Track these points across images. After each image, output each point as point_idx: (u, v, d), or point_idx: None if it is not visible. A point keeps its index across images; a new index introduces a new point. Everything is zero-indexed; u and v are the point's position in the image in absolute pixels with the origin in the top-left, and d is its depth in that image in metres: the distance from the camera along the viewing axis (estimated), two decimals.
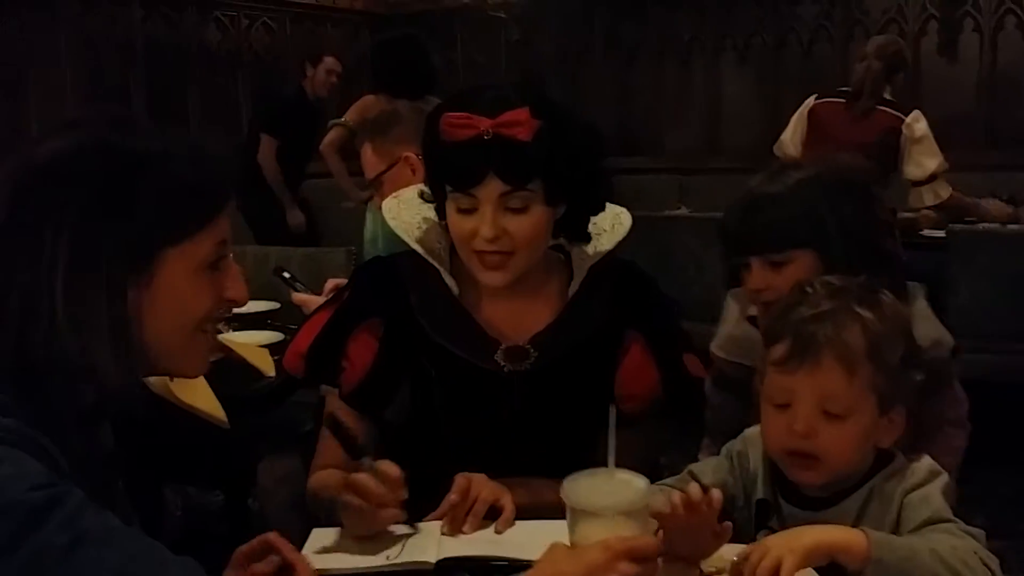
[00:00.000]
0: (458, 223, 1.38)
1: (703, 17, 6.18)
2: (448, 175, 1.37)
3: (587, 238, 1.47)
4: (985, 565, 1.11)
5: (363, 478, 1.25)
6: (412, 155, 2.22)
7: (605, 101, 6.47)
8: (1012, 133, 5.30)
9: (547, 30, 6.70)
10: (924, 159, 3.75)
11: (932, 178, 3.76)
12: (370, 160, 2.31)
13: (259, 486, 2.59)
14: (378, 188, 2.29)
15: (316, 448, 1.53)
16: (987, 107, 5.37)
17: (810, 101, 3.99)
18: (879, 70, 3.80)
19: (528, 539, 1.24)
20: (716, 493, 1.13)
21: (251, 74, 6.44)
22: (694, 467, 1.36)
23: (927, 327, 1.53)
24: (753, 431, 1.34)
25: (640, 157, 6.17)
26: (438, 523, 1.31)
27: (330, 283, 2.34)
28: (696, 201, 5.48)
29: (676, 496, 1.14)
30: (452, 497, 1.30)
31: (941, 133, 5.37)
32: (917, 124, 3.75)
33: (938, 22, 5.49)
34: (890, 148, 3.72)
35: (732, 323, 1.60)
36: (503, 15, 6.60)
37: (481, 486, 1.32)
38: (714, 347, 1.65)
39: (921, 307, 1.58)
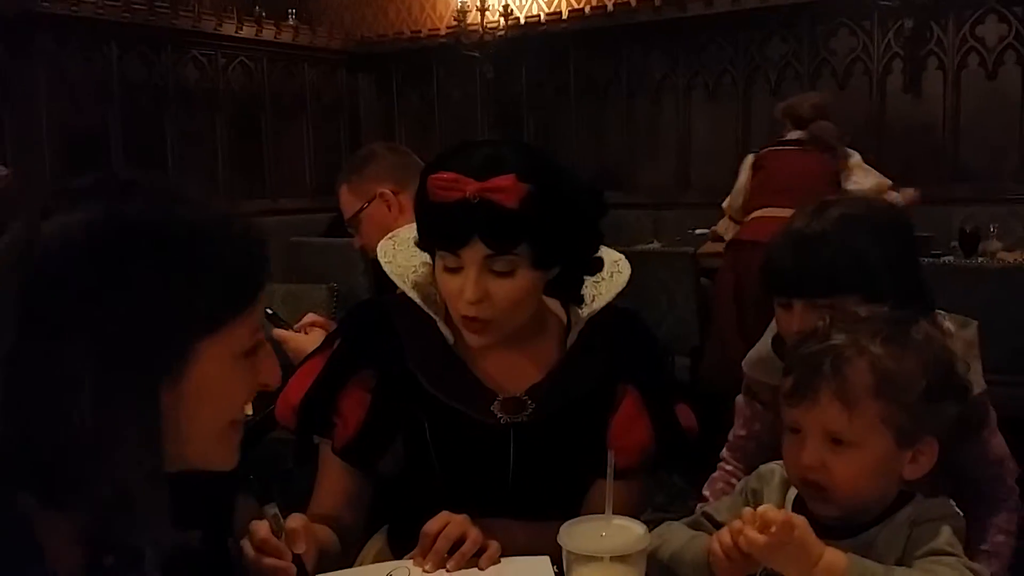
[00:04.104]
0: (445, 281, 1.36)
1: (674, 56, 6.28)
2: (433, 235, 1.36)
3: (580, 300, 1.44)
4: None
5: (258, 526, 1.21)
6: (388, 191, 2.24)
7: (579, 138, 6.57)
8: (975, 168, 5.39)
9: (522, 68, 6.80)
10: (861, 179, 4.15)
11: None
12: (347, 199, 2.32)
13: (237, 524, 2.56)
14: (356, 227, 2.30)
15: (315, 490, 1.49)
16: (951, 143, 5.46)
17: (750, 157, 4.33)
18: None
19: (512, 574, 1.24)
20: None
21: (228, 113, 6.49)
22: (710, 508, 1.35)
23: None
24: (767, 467, 1.33)
25: (613, 192, 6.25)
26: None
27: (308, 317, 2.30)
28: (668, 235, 5.56)
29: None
30: (428, 527, 1.29)
31: (907, 169, 5.48)
32: (851, 158, 4.18)
33: (903, 60, 5.57)
34: (833, 180, 4.10)
35: (764, 344, 1.61)
36: (478, 54, 6.68)
37: (464, 524, 1.30)
38: (745, 364, 1.69)
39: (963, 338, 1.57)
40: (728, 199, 4.40)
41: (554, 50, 6.64)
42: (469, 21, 6.59)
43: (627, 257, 1.54)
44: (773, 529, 1.07)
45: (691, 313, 4.15)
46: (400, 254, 1.48)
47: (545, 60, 6.71)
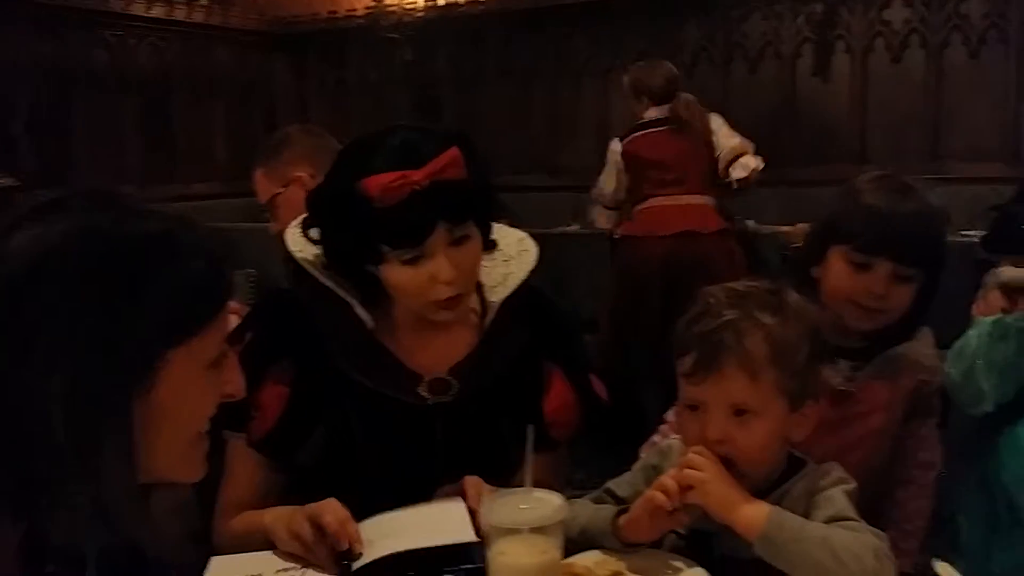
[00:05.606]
0: (409, 276, 1.34)
1: (594, 40, 6.33)
2: (392, 237, 1.32)
3: (494, 245, 1.46)
4: (882, 562, 1.13)
5: (307, 535, 1.25)
6: (305, 175, 2.22)
7: (500, 120, 6.57)
8: (882, 149, 5.55)
9: (441, 50, 6.77)
10: (726, 140, 4.16)
11: (737, 157, 4.17)
12: (262, 184, 2.30)
13: (151, 519, 2.52)
14: (272, 212, 2.29)
15: (224, 483, 1.48)
16: (858, 125, 5.62)
17: (617, 146, 4.21)
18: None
19: (432, 523, 1.28)
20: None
21: (138, 96, 6.32)
22: (611, 483, 1.40)
23: (932, 354, 1.66)
24: (666, 443, 1.39)
25: (535, 175, 6.28)
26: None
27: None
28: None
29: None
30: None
31: (816, 149, 5.64)
32: (715, 119, 4.19)
33: (812, 44, 5.71)
34: (710, 153, 4.13)
35: None
36: (397, 35, 6.63)
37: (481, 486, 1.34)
38: None
39: (928, 335, 1.68)
40: (597, 189, 4.28)
41: (474, 32, 6.62)
42: (387, 2, 6.53)
43: (547, 239, 1.56)
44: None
45: (608, 295, 4.20)
46: (311, 242, 1.45)
47: (465, 42, 6.69)
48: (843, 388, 1.56)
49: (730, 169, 4.16)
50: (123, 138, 6.24)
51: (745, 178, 4.15)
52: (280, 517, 1.33)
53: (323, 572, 1.25)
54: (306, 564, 1.27)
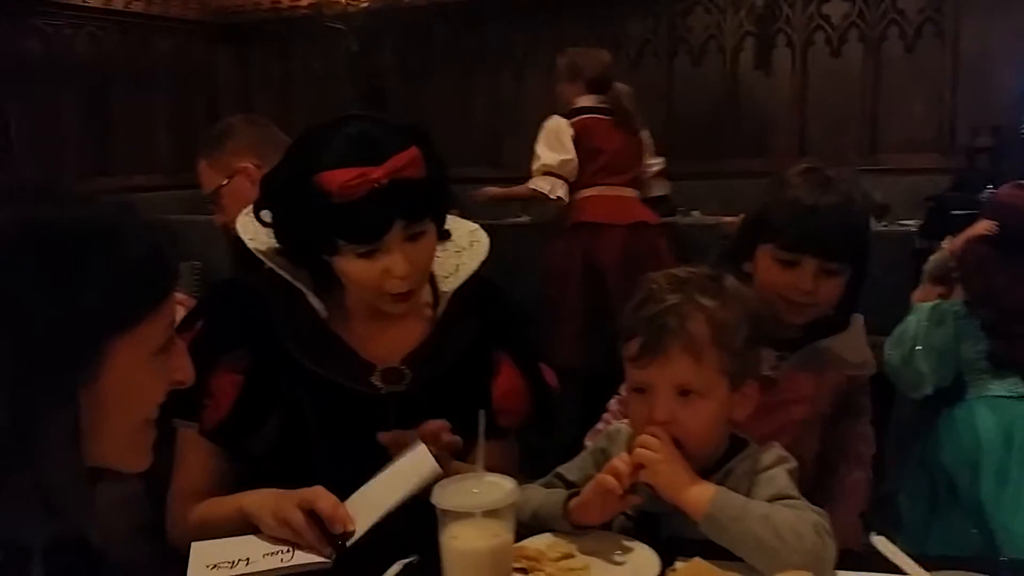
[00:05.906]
0: (363, 270, 1.35)
1: (538, 32, 6.32)
2: (349, 232, 1.32)
3: (448, 235, 1.47)
4: (823, 538, 1.17)
5: (299, 521, 1.25)
6: (250, 166, 2.20)
7: (444, 112, 6.55)
8: (821, 140, 5.64)
9: (387, 42, 6.72)
10: (652, 157, 4.31)
11: (659, 174, 4.36)
12: (207, 175, 2.27)
13: (97, 510, 2.49)
14: (217, 203, 2.26)
15: (175, 472, 1.47)
16: (799, 117, 5.70)
17: (563, 121, 4.09)
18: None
19: (398, 477, 1.30)
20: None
21: (76, 87, 6.17)
22: (561, 468, 1.43)
23: (861, 347, 1.70)
24: (614, 428, 1.43)
25: (478, 167, 6.27)
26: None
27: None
28: (537, 208, 5.62)
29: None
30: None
31: (758, 141, 5.71)
32: (643, 132, 4.25)
33: (754, 38, 5.79)
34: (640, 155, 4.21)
35: None
36: (341, 26, 6.56)
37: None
38: None
39: (859, 325, 1.73)
40: (550, 160, 4.07)
41: (419, 23, 6.58)
42: None
43: (498, 230, 1.57)
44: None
45: None
46: (262, 230, 1.45)
47: (410, 33, 6.64)
48: (767, 375, 1.60)
49: (652, 182, 4.33)
50: (60, 130, 6.09)
51: (664, 196, 4.35)
52: (263, 504, 1.32)
53: (312, 554, 1.26)
54: (294, 546, 1.27)
